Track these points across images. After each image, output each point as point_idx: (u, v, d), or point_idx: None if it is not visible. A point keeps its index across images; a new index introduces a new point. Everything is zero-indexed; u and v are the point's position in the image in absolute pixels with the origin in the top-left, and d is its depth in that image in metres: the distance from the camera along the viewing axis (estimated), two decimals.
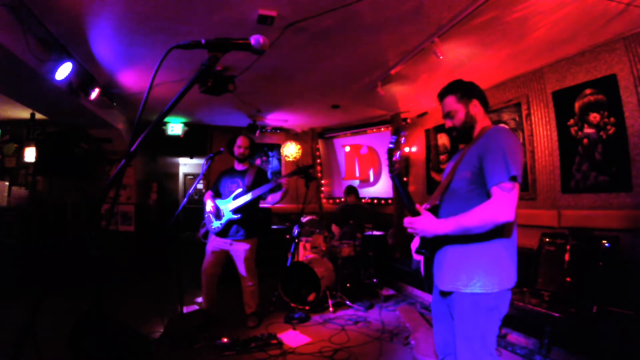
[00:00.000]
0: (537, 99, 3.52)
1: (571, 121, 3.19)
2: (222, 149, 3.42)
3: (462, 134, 1.65)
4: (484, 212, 1.37)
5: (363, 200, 6.13)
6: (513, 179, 1.35)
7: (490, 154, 1.43)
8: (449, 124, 1.67)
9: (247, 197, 3.18)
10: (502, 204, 1.34)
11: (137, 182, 5.72)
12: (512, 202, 1.34)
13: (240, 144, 3.39)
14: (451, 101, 1.63)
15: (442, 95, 1.67)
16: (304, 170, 3.30)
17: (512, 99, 3.78)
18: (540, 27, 2.71)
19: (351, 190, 5.16)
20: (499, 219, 1.34)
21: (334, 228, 4.96)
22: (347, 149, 6.27)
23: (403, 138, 1.55)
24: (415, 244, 1.63)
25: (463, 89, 1.63)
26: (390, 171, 1.54)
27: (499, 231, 1.40)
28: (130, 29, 2.76)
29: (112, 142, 5.29)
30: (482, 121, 1.62)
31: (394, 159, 1.52)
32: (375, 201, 6.04)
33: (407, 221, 1.53)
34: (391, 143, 1.53)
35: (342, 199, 5.73)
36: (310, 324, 3.44)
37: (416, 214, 1.52)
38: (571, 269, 2.72)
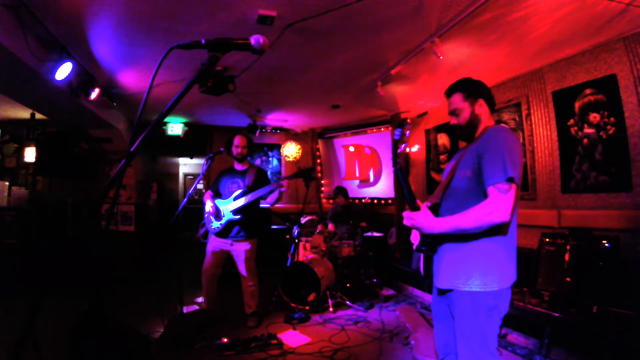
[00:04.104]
0: (537, 99, 3.52)
1: (571, 121, 3.19)
2: (222, 149, 3.42)
3: (466, 133, 1.65)
4: (479, 213, 1.37)
5: (363, 200, 6.13)
6: (510, 180, 1.35)
7: (489, 154, 1.43)
8: (453, 121, 1.67)
9: (247, 198, 3.18)
10: (497, 205, 1.35)
11: (137, 182, 5.72)
12: (508, 203, 1.34)
13: (238, 144, 3.38)
14: (457, 99, 1.63)
15: (449, 92, 1.67)
16: (305, 173, 3.28)
17: (512, 99, 3.78)
18: (540, 27, 2.71)
19: (339, 191, 5.05)
20: (494, 219, 1.35)
21: (330, 226, 4.96)
22: (350, 148, 6.27)
23: (408, 131, 1.56)
24: (415, 237, 1.64)
25: (470, 88, 1.63)
26: (394, 164, 1.55)
27: (496, 229, 1.40)
28: (130, 29, 2.76)
29: (112, 142, 5.29)
30: (486, 121, 1.62)
31: (398, 151, 1.53)
32: (375, 201, 6.04)
33: (407, 215, 1.55)
34: (396, 135, 1.53)
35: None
36: (310, 324, 3.44)
37: (416, 209, 1.53)
38: (571, 269, 2.72)
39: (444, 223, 1.45)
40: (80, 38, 2.88)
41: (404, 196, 1.56)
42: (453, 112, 1.66)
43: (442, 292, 1.58)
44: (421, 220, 1.50)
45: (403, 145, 1.53)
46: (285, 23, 2.66)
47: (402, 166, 1.54)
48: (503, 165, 1.37)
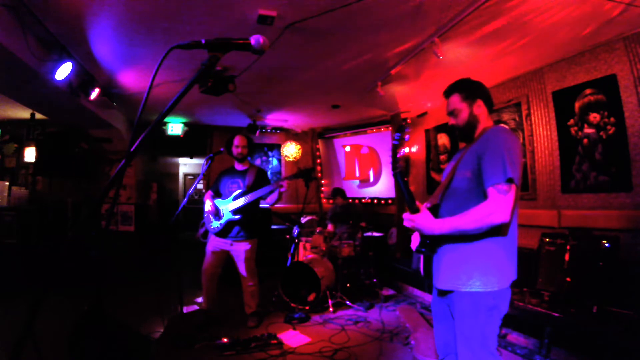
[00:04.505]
0: (537, 99, 3.52)
1: (571, 121, 3.19)
2: (222, 149, 3.43)
3: (464, 133, 1.65)
4: (479, 214, 1.37)
5: (363, 200, 6.12)
6: (510, 180, 1.35)
7: (489, 154, 1.43)
8: (452, 121, 1.68)
9: (247, 198, 3.18)
10: (497, 206, 1.35)
11: (137, 182, 5.72)
12: (508, 204, 1.35)
13: (238, 144, 3.38)
14: (456, 100, 1.64)
15: (447, 93, 1.68)
16: (305, 173, 3.27)
17: (512, 99, 3.78)
18: (540, 27, 2.70)
19: (337, 192, 5.03)
20: (494, 220, 1.35)
21: (329, 227, 4.95)
22: (347, 149, 6.27)
23: (407, 135, 1.56)
24: (415, 240, 1.64)
25: (469, 89, 1.63)
26: (393, 168, 1.55)
27: (496, 230, 1.40)
28: (130, 29, 2.76)
29: (112, 142, 5.29)
30: (485, 122, 1.62)
31: (398, 155, 1.53)
32: (376, 201, 6.04)
33: (407, 217, 1.55)
34: (395, 140, 1.54)
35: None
36: (310, 324, 3.44)
37: (416, 211, 1.54)
38: (571, 269, 2.71)
39: (444, 224, 1.45)
40: (80, 38, 2.88)
41: (404, 198, 1.56)
42: (451, 113, 1.66)
43: (443, 293, 1.59)
44: (421, 221, 1.50)
45: (402, 150, 1.53)
46: (285, 23, 2.66)
47: (401, 170, 1.54)
48: (503, 166, 1.37)
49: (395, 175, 1.56)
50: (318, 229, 4.57)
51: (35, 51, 2.73)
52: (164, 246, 5.83)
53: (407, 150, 5.64)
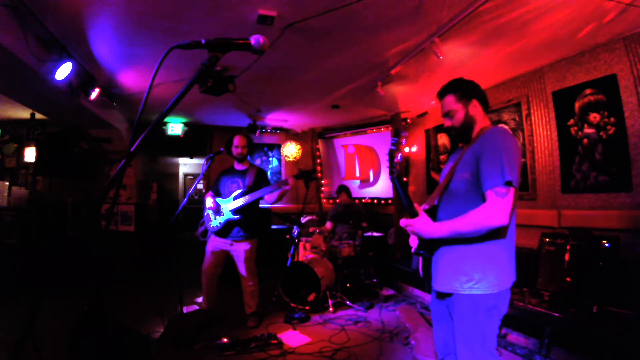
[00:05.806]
0: (537, 99, 3.52)
1: (571, 121, 3.19)
2: (222, 149, 3.43)
3: (461, 134, 1.64)
4: (477, 217, 1.37)
5: (363, 200, 6.12)
6: (508, 183, 1.35)
7: (487, 157, 1.42)
8: (447, 123, 1.66)
9: (247, 199, 3.18)
10: (495, 209, 1.34)
11: (137, 182, 5.72)
12: (506, 207, 1.34)
13: (237, 144, 3.38)
14: (450, 100, 1.62)
15: (441, 94, 1.66)
16: (305, 174, 3.27)
17: (512, 99, 3.78)
18: (540, 27, 2.70)
19: (342, 189, 5.02)
20: (492, 223, 1.34)
21: (328, 225, 4.95)
22: (347, 149, 6.27)
23: (404, 139, 1.55)
24: (413, 241, 1.64)
25: (463, 89, 1.62)
26: (391, 172, 1.53)
27: (495, 232, 1.39)
28: (131, 29, 2.76)
29: (112, 142, 5.29)
30: (482, 122, 1.61)
31: (395, 160, 1.52)
32: (375, 201, 6.04)
33: (405, 222, 1.54)
34: (392, 145, 1.52)
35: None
36: (310, 324, 3.44)
37: (414, 215, 1.52)
38: (571, 269, 2.72)
39: (442, 227, 1.44)
40: (80, 38, 2.88)
41: (402, 203, 1.54)
42: (447, 114, 1.64)
43: (442, 295, 1.58)
44: (420, 226, 1.49)
45: (399, 155, 1.52)
46: (285, 23, 2.66)
47: (399, 174, 1.53)
48: (501, 168, 1.36)
49: (392, 180, 1.54)
50: (316, 230, 4.55)
51: (35, 51, 2.73)
52: (164, 246, 5.83)
53: (407, 150, 5.64)
